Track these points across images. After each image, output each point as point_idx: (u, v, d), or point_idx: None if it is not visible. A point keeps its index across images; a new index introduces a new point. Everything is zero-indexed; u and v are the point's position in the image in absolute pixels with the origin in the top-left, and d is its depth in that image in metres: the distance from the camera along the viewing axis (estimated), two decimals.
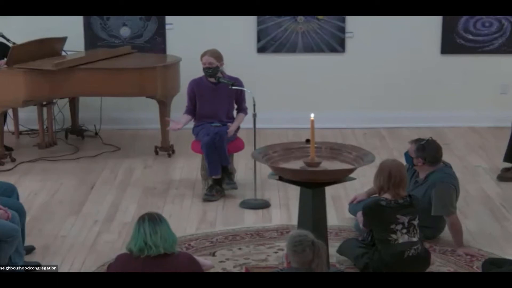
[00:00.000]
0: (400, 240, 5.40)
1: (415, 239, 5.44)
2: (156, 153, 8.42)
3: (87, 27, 9.29)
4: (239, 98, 7.26)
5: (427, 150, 6.06)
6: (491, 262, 5.30)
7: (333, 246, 5.78)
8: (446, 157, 6.44)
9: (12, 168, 7.93)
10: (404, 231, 5.41)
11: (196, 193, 7.24)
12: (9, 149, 8.38)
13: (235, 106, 7.33)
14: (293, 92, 9.40)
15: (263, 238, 6.26)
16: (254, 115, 6.95)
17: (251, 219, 6.67)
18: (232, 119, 7.27)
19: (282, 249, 6.01)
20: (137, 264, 4.46)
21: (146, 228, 4.46)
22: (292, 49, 9.37)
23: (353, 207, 6.35)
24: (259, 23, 9.31)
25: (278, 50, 9.38)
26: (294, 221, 5.96)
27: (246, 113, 7.29)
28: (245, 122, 7.37)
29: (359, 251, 5.60)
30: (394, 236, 5.39)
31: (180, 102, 7.50)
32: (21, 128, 9.12)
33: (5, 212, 5.38)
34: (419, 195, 5.88)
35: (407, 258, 5.38)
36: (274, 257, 5.90)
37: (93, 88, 8.10)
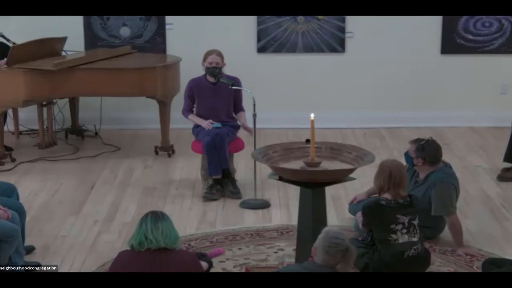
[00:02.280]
0: (400, 240, 5.40)
1: (415, 239, 5.44)
2: (156, 153, 8.42)
3: (87, 27, 9.29)
4: (237, 97, 7.26)
5: (427, 150, 6.05)
6: (491, 262, 5.30)
7: None
8: (446, 157, 6.44)
9: (12, 168, 7.93)
10: (404, 231, 5.40)
11: (196, 193, 7.23)
12: (9, 149, 8.38)
13: None
14: (293, 92, 9.40)
15: (263, 238, 6.26)
16: (254, 115, 6.95)
17: (251, 219, 6.67)
18: (233, 118, 7.27)
19: (282, 249, 6.01)
20: (138, 259, 4.48)
21: (148, 224, 4.53)
22: (292, 49, 9.37)
23: (353, 207, 6.35)
24: (259, 23, 9.31)
25: (278, 50, 9.38)
26: (294, 221, 5.95)
27: (244, 111, 7.31)
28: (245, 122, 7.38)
29: (359, 251, 5.57)
30: (394, 236, 5.39)
31: (180, 102, 7.49)
32: (21, 128, 9.12)
33: (5, 212, 5.38)
34: (419, 195, 5.88)
35: (407, 258, 5.37)
36: (274, 257, 5.90)
37: (93, 88, 8.10)
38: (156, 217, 4.56)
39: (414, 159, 6.08)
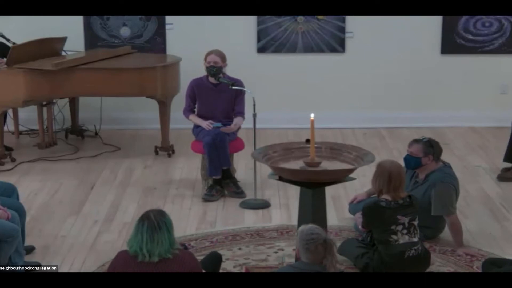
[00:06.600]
0: (401, 241, 5.39)
1: (415, 240, 5.44)
2: (156, 153, 8.42)
3: (87, 27, 9.29)
4: (237, 99, 7.22)
5: (435, 146, 6.05)
6: (491, 262, 5.29)
7: None
8: (446, 157, 6.44)
9: (12, 168, 7.92)
10: (405, 231, 5.40)
11: (196, 193, 7.23)
12: (9, 149, 8.38)
13: None
14: (293, 92, 9.39)
15: (263, 238, 6.26)
16: (254, 115, 6.95)
17: (251, 219, 6.67)
18: (232, 120, 7.25)
19: (282, 249, 6.01)
20: (135, 265, 4.42)
21: (144, 234, 4.34)
22: (292, 49, 9.37)
23: (353, 207, 6.35)
24: (259, 23, 9.31)
25: (278, 50, 9.38)
26: (294, 221, 5.96)
27: (243, 118, 7.25)
28: (245, 122, 7.36)
29: (359, 251, 5.60)
30: (394, 237, 5.39)
31: (180, 102, 7.49)
32: (21, 128, 9.12)
33: (5, 212, 5.38)
34: (419, 195, 5.88)
35: (407, 258, 5.37)
36: (274, 257, 5.90)
37: (93, 88, 8.10)
38: (153, 229, 4.33)
39: (423, 158, 6.03)
